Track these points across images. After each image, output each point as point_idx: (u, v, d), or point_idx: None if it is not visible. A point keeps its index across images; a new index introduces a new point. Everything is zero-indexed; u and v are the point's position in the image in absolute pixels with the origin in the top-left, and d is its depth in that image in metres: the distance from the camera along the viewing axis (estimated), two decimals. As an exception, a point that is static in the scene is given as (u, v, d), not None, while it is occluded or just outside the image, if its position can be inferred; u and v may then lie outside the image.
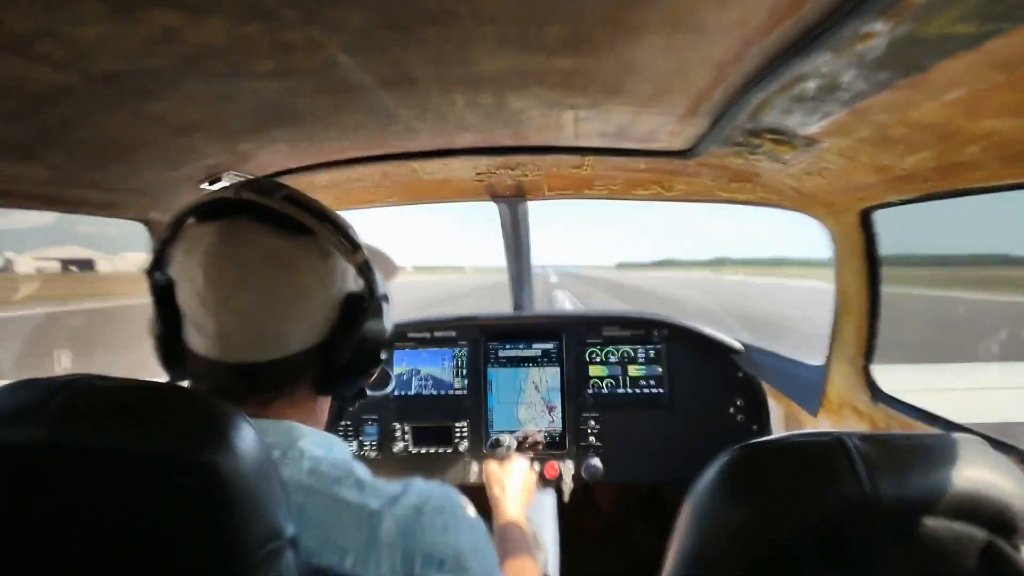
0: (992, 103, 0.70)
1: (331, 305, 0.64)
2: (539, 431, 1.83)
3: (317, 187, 1.51)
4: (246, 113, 0.92)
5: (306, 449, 0.61)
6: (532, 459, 1.79)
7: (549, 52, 0.72)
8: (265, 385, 0.63)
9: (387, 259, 0.91)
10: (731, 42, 0.68)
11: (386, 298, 0.70)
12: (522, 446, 1.78)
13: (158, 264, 0.64)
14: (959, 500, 0.44)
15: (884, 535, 0.44)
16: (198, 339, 0.62)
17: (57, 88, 0.71)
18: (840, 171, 1.10)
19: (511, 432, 1.82)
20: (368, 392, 0.77)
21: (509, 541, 1.11)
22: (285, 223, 0.61)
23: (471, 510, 0.66)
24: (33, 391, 0.46)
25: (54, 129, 0.83)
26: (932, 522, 0.43)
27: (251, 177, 1.28)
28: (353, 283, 0.66)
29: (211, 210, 0.62)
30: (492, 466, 1.41)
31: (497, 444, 1.51)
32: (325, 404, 0.71)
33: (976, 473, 0.45)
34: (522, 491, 1.31)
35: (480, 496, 1.30)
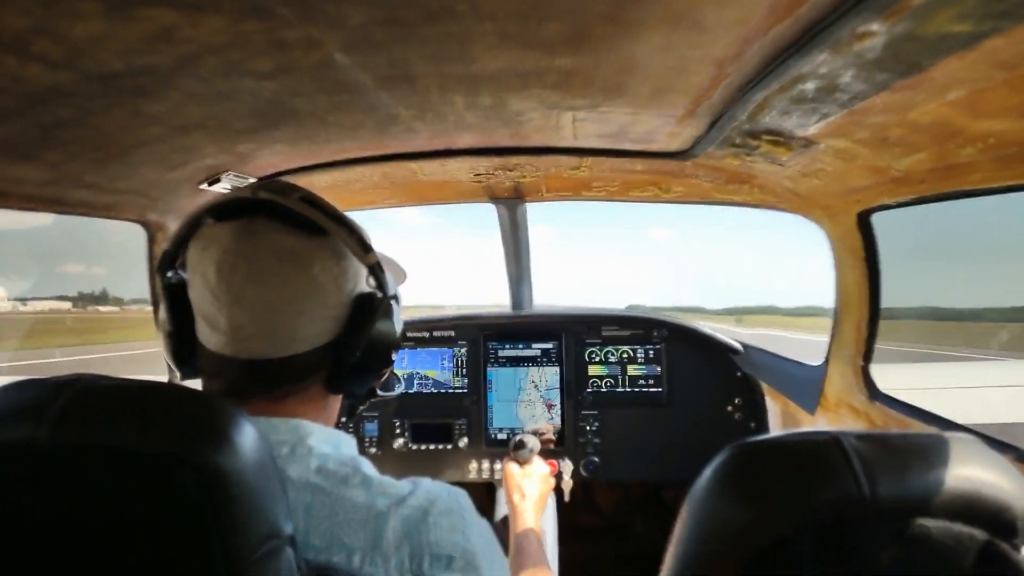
0: (991, 103, 0.70)
1: (343, 304, 0.65)
2: (551, 427, 1.83)
3: (317, 188, 1.51)
4: (245, 113, 0.91)
5: (314, 446, 0.61)
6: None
7: (549, 50, 0.72)
8: (277, 382, 0.63)
9: (396, 266, 0.93)
10: (731, 40, 0.68)
11: (396, 299, 0.71)
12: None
13: (172, 262, 0.65)
14: (958, 500, 0.44)
15: (882, 534, 0.44)
16: (210, 335, 0.62)
17: (53, 87, 0.71)
18: (836, 173, 1.10)
19: (512, 430, 1.83)
20: (379, 392, 0.77)
21: (527, 552, 1.11)
22: (301, 223, 0.62)
23: (478, 514, 0.66)
24: (35, 390, 0.46)
25: (51, 129, 0.83)
26: (931, 522, 0.43)
27: (252, 178, 1.28)
28: (365, 284, 0.67)
29: (229, 210, 0.63)
30: (512, 468, 1.36)
31: (521, 445, 1.41)
32: (336, 402, 0.72)
33: (974, 473, 0.45)
34: (540, 500, 1.29)
35: (479, 493, 1.29)
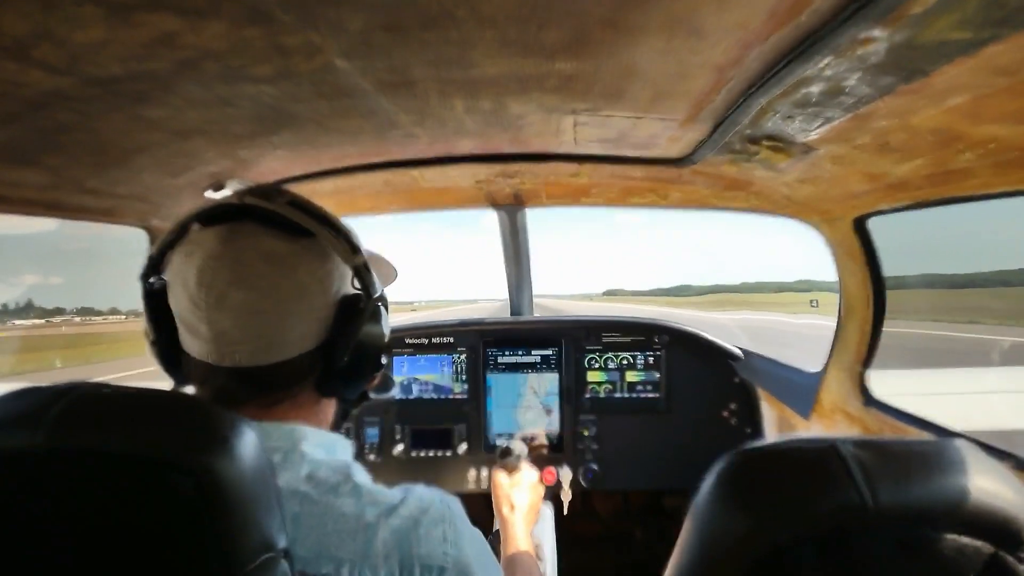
0: (992, 109, 0.70)
1: (328, 306, 0.64)
2: (544, 432, 1.83)
3: (320, 195, 1.51)
4: (247, 119, 0.92)
5: (307, 452, 0.60)
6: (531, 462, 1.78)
7: (549, 55, 0.72)
8: (266, 389, 0.62)
9: (387, 264, 0.91)
10: (731, 45, 0.68)
11: (384, 301, 0.70)
12: (527, 444, 1.75)
13: (154, 268, 0.64)
14: (962, 511, 0.43)
15: (884, 543, 0.43)
16: (192, 342, 0.61)
17: (54, 92, 0.71)
18: (833, 179, 1.11)
19: (510, 435, 1.82)
20: (372, 395, 0.76)
21: (520, 565, 1.08)
22: (287, 226, 0.61)
23: (470, 523, 0.65)
24: (35, 397, 0.46)
25: (52, 134, 0.83)
26: (935, 533, 0.43)
27: (255, 184, 1.28)
28: (350, 285, 0.66)
29: (215, 215, 0.62)
30: (500, 478, 1.30)
31: (507, 453, 1.34)
32: (329, 406, 0.71)
33: (976, 482, 0.44)
34: (531, 511, 1.24)
35: (477, 503, 1.27)
